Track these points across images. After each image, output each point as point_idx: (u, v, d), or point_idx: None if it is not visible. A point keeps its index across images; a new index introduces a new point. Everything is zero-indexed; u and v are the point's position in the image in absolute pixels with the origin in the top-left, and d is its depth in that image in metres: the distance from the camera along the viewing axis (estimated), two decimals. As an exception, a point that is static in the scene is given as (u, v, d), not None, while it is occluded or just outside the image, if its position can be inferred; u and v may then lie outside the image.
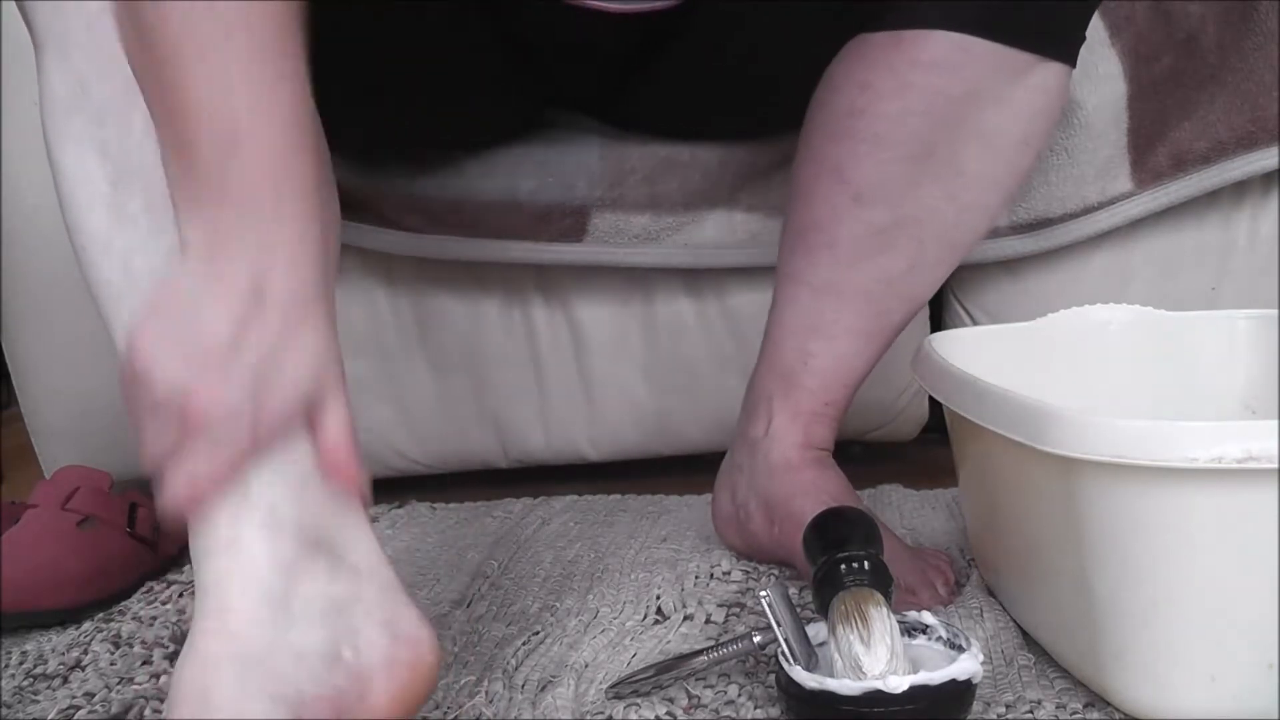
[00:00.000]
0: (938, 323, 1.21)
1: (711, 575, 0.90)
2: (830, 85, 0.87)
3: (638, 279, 1.16)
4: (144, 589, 0.94)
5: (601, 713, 0.69)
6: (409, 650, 0.58)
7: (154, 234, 0.60)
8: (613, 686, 0.71)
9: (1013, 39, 0.80)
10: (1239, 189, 1.14)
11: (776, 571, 0.90)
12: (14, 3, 0.64)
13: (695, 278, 1.16)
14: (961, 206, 0.85)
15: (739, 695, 0.70)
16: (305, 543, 0.55)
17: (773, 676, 0.70)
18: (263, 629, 0.54)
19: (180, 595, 0.92)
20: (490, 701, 0.71)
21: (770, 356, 0.90)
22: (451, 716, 0.69)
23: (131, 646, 0.82)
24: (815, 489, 0.87)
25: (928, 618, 0.70)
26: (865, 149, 0.84)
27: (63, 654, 0.82)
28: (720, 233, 1.12)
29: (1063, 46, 0.83)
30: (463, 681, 0.73)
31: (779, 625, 0.67)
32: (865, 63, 0.84)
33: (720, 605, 0.84)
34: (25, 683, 0.78)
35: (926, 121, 0.82)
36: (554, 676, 0.74)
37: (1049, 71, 0.82)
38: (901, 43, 0.82)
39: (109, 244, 0.61)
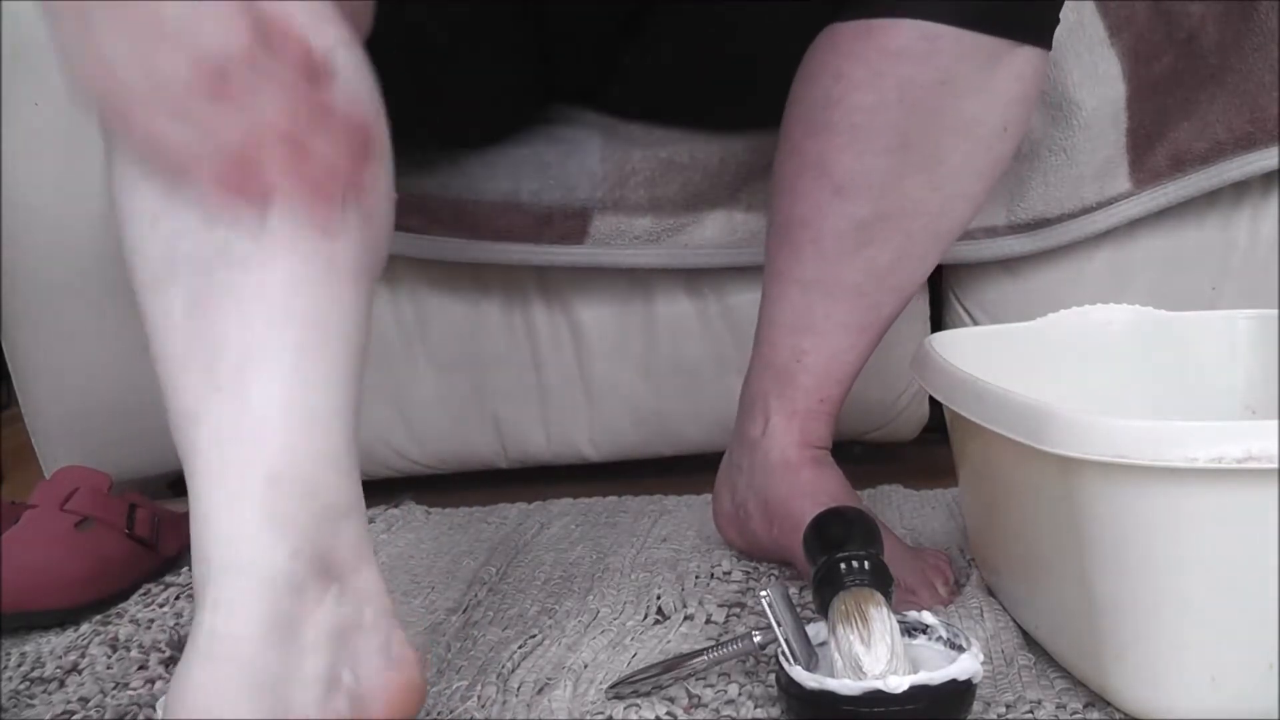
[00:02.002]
0: (938, 323, 1.21)
1: (712, 575, 0.90)
2: (805, 76, 0.87)
3: (638, 279, 1.16)
4: (141, 591, 0.94)
5: (601, 713, 0.69)
6: (402, 671, 0.58)
7: (208, 222, 0.55)
8: (613, 687, 0.71)
9: (982, 25, 0.80)
10: (1239, 189, 1.14)
11: (776, 571, 0.90)
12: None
13: (695, 278, 1.16)
14: (945, 196, 0.85)
15: (739, 695, 0.70)
16: (319, 569, 0.55)
17: (773, 676, 0.70)
18: (273, 657, 0.53)
19: (178, 598, 0.92)
20: (483, 705, 0.70)
21: (764, 355, 0.90)
22: None
23: (129, 650, 0.82)
24: (814, 489, 0.86)
25: (928, 618, 0.70)
26: (844, 141, 0.83)
27: (60, 657, 0.82)
28: (721, 232, 1.12)
29: (1035, 31, 0.83)
30: (455, 686, 0.73)
31: (779, 625, 0.67)
32: (838, 52, 0.84)
33: (720, 605, 0.84)
34: (22, 686, 0.78)
35: (902, 111, 0.82)
36: (550, 679, 0.73)
37: (1024, 57, 0.82)
38: (871, 31, 0.82)
39: (156, 221, 0.57)
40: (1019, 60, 0.82)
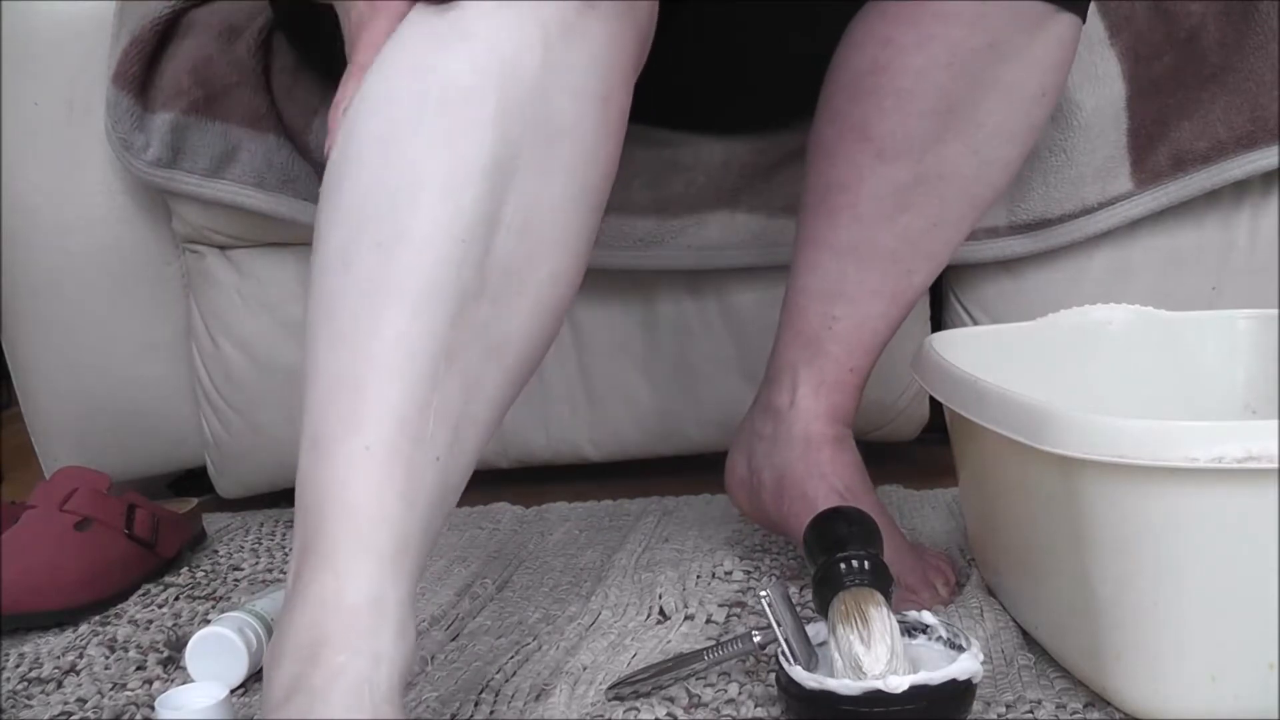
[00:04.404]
0: (938, 323, 1.21)
1: (714, 575, 0.90)
2: (851, 44, 0.87)
3: (639, 279, 1.16)
4: (141, 592, 0.94)
5: (601, 714, 0.69)
6: None
7: None
8: (613, 687, 0.71)
9: None
10: (1239, 189, 1.14)
11: (777, 571, 0.90)
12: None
13: (696, 278, 1.16)
14: (982, 161, 0.86)
15: (739, 694, 0.70)
16: None
17: (773, 676, 0.70)
18: None
19: (177, 599, 0.92)
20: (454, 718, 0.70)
21: (793, 324, 0.90)
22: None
23: (127, 651, 0.82)
24: (831, 471, 0.87)
25: (928, 617, 0.70)
26: (889, 104, 0.84)
27: (58, 657, 0.82)
28: (723, 233, 1.12)
29: None
30: (425, 698, 0.72)
31: (779, 625, 0.67)
32: (886, 18, 0.84)
33: (721, 605, 0.83)
34: (20, 686, 0.78)
35: (949, 74, 0.83)
36: (548, 684, 0.73)
37: (1063, 23, 0.83)
38: None
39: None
40: (1058, 27, 0.83)
